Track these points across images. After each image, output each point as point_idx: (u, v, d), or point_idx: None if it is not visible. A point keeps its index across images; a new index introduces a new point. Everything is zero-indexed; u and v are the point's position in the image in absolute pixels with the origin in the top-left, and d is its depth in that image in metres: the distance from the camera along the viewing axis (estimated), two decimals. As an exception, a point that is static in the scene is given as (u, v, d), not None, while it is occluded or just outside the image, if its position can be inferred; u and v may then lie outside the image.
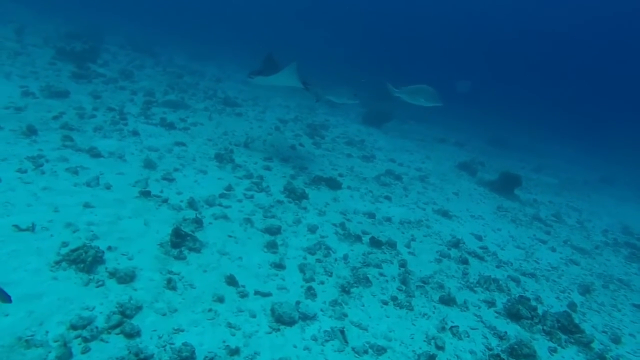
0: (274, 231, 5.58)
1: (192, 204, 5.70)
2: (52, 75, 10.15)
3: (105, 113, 8.45)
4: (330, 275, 4.97)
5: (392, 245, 6.12)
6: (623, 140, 27.59)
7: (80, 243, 4.14)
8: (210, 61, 20.09)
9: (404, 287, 5.13)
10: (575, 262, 7.57)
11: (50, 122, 7.22)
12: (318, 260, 5.22)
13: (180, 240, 4.67)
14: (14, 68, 9.80)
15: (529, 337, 4.79)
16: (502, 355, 4.21)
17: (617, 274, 7.55)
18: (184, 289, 4.07)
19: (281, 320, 3.95)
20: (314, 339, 3.87)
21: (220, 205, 5.96)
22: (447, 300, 5.05)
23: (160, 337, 3.40)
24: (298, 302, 4.28)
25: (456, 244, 6.80)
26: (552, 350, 4.65)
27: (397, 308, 4.71)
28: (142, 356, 3.10)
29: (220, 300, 4.04)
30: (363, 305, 4.59)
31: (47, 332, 3.13)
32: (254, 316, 3.96)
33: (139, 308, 3.62)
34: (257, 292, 4.30)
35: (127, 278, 3.91)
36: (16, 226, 4.19)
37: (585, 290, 6.39)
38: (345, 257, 5.48)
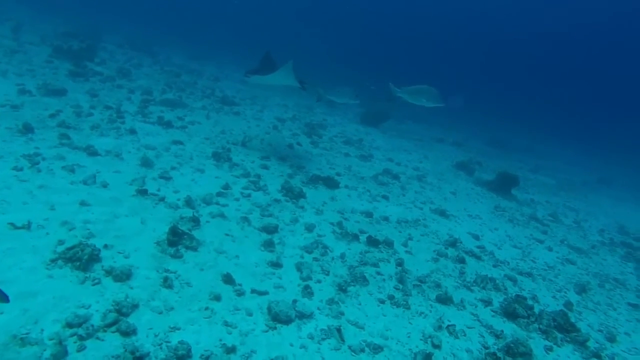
0: (271, 230, 5.57)
1: (189, 203, 5.69)
2: (49, 73, 10.12)
3: (102, 111, 8.42)
4: (327, 274, 4.97)
5: (389, 244, 6.12)
6: (620, 142, 27.73)
7: (76, 241, 4.13)
8: (208, 60, 20.07)
9: (400, 286, 5.14)
10: (572, 261, 7.60)
11: (47, 120, 7.20)
12: (315, 259, 5.22)
13: (177, 239, 4.66)
14: (10, 66, 9.76)
15: (525, 335, 4.80)
16: (499, 354, 4.22)
17: (613, 273, 7.58)
18: (181, 287, 4.06)
19: (278, 318, 3.94)
20: (311, 337, 3.87)
21: (217, 203, 5.95)
22: (444, 299, 5.05)
23: (156, 336, 3.39)
24: (295, 301, 4.27)
25: (453, 243, 6.81)
26: (548, 349, 4.67)
27: (394, 307, 4.71)
28: (138, 354, 3.09)
29: (217, 298, 4.03)
30: (360, 304, 4.59)
31: (42, 330, 3.12)
32: (250, 314, 3.95)
33: (135, 306, 3.61)
34: (253, 291, 4.30)
35: (123, 276, 3.90)
36: (12, 224, 4.18)
37: (582, 289, 6.42)
38: (343, 256, 5.48)
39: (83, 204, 4.96)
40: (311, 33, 34.35)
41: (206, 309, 3.86)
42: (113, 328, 3.31)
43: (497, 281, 5.86)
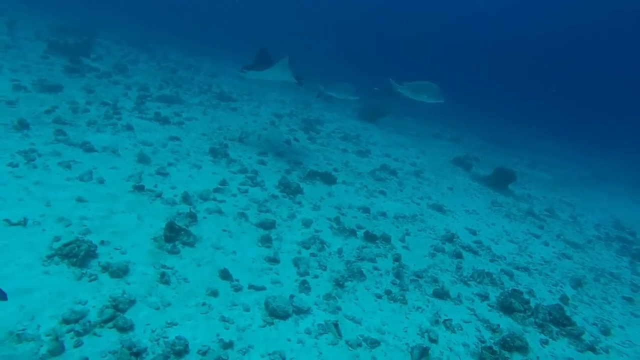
0: (268, 225, 5.57)
1: (186, 199, 5.68)
2: (45, 69, 10.05)
3: (98, 107, 8.38)
4: (325, 269, 4.98)
5: (386, 239, 6.14)
6: (617, 137, 27.83)
7: (72, 237, 4.12)
8: (205, 57, 19.98)
9: (398, 281, 5.16)
10: (568, 256, 7.64)
11: (43, 116, 7.16)
12: (312, 255, 5.23)
13: (174, 235, 4.66)
14: (4, 61, 9.69)
15: (521, 329, 4.83)
16: (495, 348, 4.25)
17: (608, 267, 7.63)
18: (178, 283, 4.06)
19: (275, 314, 3.95)
20: (308, 332, 3.88)
21: (214, 199, 5.94)
22: (441, 294, 5.08)
23: (153, 331, 3.40)
24: (292, 296, 4.28)
25: (450, 238, 6.83)
26: (544, 342, 4.70)
27: (391, 302, 4.73)
28: (135, 350, 3.09)
29: (214, 294, 4.03)
30: (357, 299, 4.61)
31: (38, 326, 3.12)
32: (247, 310, 3.96)
33: (132, 302, 3.61)
34: (251, 286, 4.30)
35: (120, 272, 3.90)
36: (7, 220, 4.16)
37: (577, 283, 6.46)
38: (340, 251, 5.49)
39: (79, 200, 4.95)
40: (311, 32, 34.26)
41: (203, 304, 3.87)
42: (110, 324, 3.32)
43: (494, 276, 5.89)
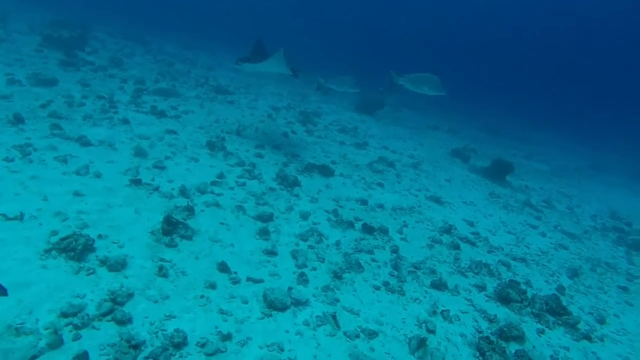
0: (266, 218, 5.58)
1: (183, 192, 5.67)
2: (39, 62, 9.96)
3: (94, 101, 8.33)
4: (323, 262, 5.00)
5: (384, 231, 6.15)
6: (614, 128, 27.87)
7: (70, 231, 4.12)
8: (202, 50, 19.84)
9: (395, 273, 5.18)
10: (565, 246, 7.68)
11: (38, 111, 7.11)
12: (310, 247, 5.24)
13: (172, 228, 4.66)
14: (-1, 55, 9.60)
15: (518, 319, 4.87)
16: (492, 338, 4.28)
17: (604, 257, 7.68)
18: (176, 276, 4.07)
19: (273, 306, 3.97)
20: (306, 324, 3.90)
21: (212, 192, 5.94)
22: (439, 285, 5.10)
23: (152, 324, 3.41)
24: (290, 288, 4.30)
25: (448, 229, 6.85)
26: (540, 332, 4.74)
27: (389, 293, 4.75)
28: (133, 343, 3.10)
29: (212, 286, 4.05)
30: (355, 291, 4.63)
31: (37, 320, 3.12)
32: (246, 302, 3.98)
33: (130, 295, 3.61)
34: (249, 279, 4.31)
35: (118, 266, 3.90)
36: (4, 215, 4.15)
37: (574, 273, 6.50)
38: (338, 243, 5.50)
39: (76, 194, 4.93)
40: (310, 32, 34.02)
41: (202, 297, 3.88)
42: (108, 317, 3.32)
43: (491, 267, 5.93)
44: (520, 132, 21.35)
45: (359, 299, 4.51)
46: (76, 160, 5.77)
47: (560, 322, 4.98)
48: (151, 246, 4.40)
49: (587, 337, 4.82)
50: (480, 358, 4.03)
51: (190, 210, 5.20)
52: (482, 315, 4.78)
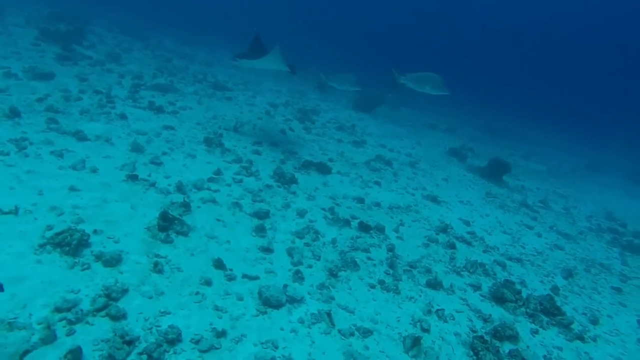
0: (262, 215, 5.57)
1: (180, 188, 5.65)
2: (36, 56, 9.89)
3: (91, 96, 8.28)
4: (319, 259, 5.00)
5: (380, 229, 6.16)
6: (612, 128, 27.97)
7: (65, 226, 4.10)
8: (201, 46, 19.77)
9: (391, 271, 5.19)
10: (560, 247, 7.72)
11: (35, 105, 7.06)
12: (306, 244, 5.24)
13: (168, 224, 4.65)
14: (-5, 48, 9.53)
15: (512, 319, 4.89)
16: (486, 337, 4.30)
17: (599, 258, 7.72)
18: (171, 272, 4.06)
19: (268, 303, 3.97)
20: (301, 321, 3.91)
21: (208, 189, 5.92)
22: (434, 284, 5.12)
23: (146, 320, 3.41)
24: (286, 286, 4.30)
25: (444, 229, 6.87)
26: (534, 332, 4.77)
27: (384, 291, 4.76)
28: (127, 338, 3.10)
29: (208, 283, 4.04)
30: (350, 289, 4.64)
31: (30, 314, 3.11)
32: (241, 299, 3.98)
33: (125, 291, 3.61)
34: (244, 276, 4.31)
35: (113, 261, 3.89)
36: (-1, 209, 4.12)
37: (568, 274, 6.53)
38: (334, 241, 5.50)
39: (72, 189, 4.91)
40: (310, 29, 33.92)
41: (197, 293, 3.87)
42: (103, 312, 3.32)
43: (487, 266, 5.95)
44: (518, 131, 21.39)
45: (354, 297, 4.52)
46: (72, 154, 5.74)
47: (554, 323, 5.00)
48: (147, 242, 4.39)
49: (580, 338, 4.85)
50: (474, 357, 4.05)
51: (186, 206, 5.19)
52: (477, 315, 4.80)
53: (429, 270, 5.44)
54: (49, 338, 2.93)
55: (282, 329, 3.75)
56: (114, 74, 10.34)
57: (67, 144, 6.02)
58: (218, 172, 6.49)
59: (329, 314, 4.05)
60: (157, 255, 4.22)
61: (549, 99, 33.48)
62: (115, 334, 3.12)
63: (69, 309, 3.23)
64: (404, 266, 5.41)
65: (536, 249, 7.33)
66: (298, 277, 4.53)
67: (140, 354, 3.06)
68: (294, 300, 4.13)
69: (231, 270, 4.33)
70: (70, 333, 3.07)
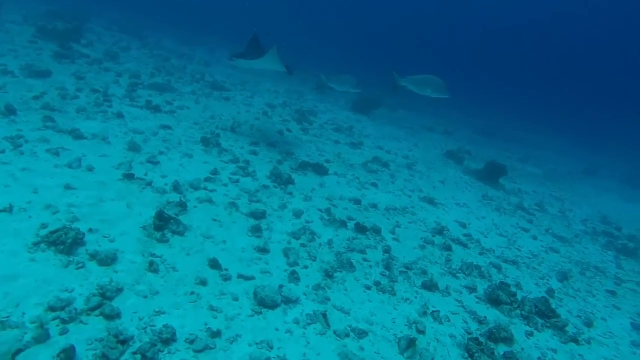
0: (258, 215, 5.56)
1: (176, 187, 5.64)
2: (33, 54, 9.85)
3: (88, 94, 8.25)
4: (314, 260, 5.00)
5: (376, 231, 6.16)
6: (610, 130, 28.14)
7: (60, 225, 4.08)
8: (199, 45, 19.72)
9: (387, 273, 5.19)
10: (555, 249, 7.74)
11: (31, 102, 7.03)
12: (302, 245, 5.24)
13: (164, 223, 4.63)
14: (-8, 45, 9.48)
15: (507, 321, 4.90)
16: (481, 339, 4.31)
17: (593, 261, 7.75)
18: (166, 271, 4.05)
19: (263, 303, 3.96)
20: (296, 322, 3.90)
21: (205, 189, 5.91)
22: (430, 286, 5.12)
23: (140, 319, 3.39)
24: (281, 286, 4.29)
25: (440, 231, 6.88)
26: (529, 334, 4.78)
27: (380, 293, 4.76)
28: (121, 338, 3.08)
29: (203, 283, 4.03)
30: (346, 290, 4.64)
31: (23, 313, 3.09)
32: (236, 299, 3.97)
33: (119, 290, 3.59)
34: (240, 276, 4.30)
35: (108, 260, 3.87)
36: (-7, 207, 4.10)
37: (563, 277, 6.56)
38: (330, 242, 5.50)
39: (67, 187, 4.89)
40: (309, 30, 33.94)
41: (192, 293, 3.86)
42: (97, 311, 3.30)
43: (482, 268, 5.96)
44: (516, 134, 21.45)
45: (350, 298, 4.52)
46: (68, 153, 5.72)
47: (548, 325, 5.02)
48: (142, 241, 4.37)
49: (575, 340, 4.87)
50: (469, 359, 4.06)
51: (182, 205, 5.18)
52: (472, 317, 4.81)
53: (424, 272, 5.44)
54: (42, 337, 2.91)
55: (277, 330, 3.75)
56: (111, 73, 10.30)
57: (63, 142, 6.00)
58: (215, 172, 6.48)
59: (324, 315, 4.04)
60: (152, 255, 4.20)
61: (548, 101, 33.62)
62: (109, 333, 3.10)
63: (62, 308, 3.21)
64: (400, 267, 5.42)
65: (532, 251, 7.35)
66: (294, 277, 4.52)
67: (134, 353, 3.05)
68: (289, 301, 4.12)
69: (227, 270, 4.32)
70: (63, 332, 3.05)
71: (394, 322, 4.32)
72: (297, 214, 5.96)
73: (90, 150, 6.02)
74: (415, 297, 4.87)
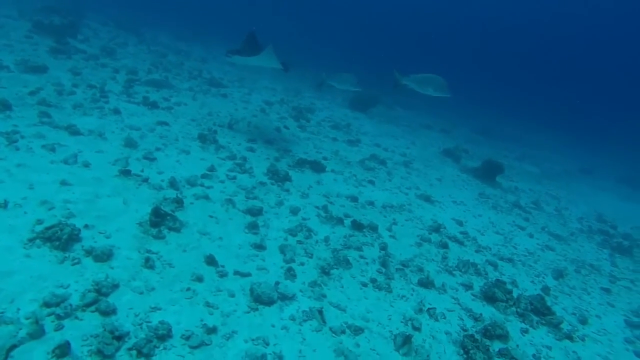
0: (255, 212, 5.56)
1: (173, 184, 5.62)
2: (29, 49, 9.78)
3: (85, 90, 8.21)
4: (311, 257, 5.00)
5: (373, 228, 6.17)
6: (607, 130, 28.22)
7: (55, 221, 4.06)
8: (197, 42, 19.62)
9: (383, 270, 5.20)
10: (551, 248, 7.78)
11: (26, 98, 6.99)
12: (299, 242, 5.24)
13: (160, 220, 4.62)
14: (-13, 40, 9.41)
15: (503, 318, 4.92)
16: (476, 336, 4.33)
17: (589, 259, 7.80)
18: (162, 268, 4.04)
19: (260, 300, 3.96)
20: (292, 318, 3.91)
21: (202, 185, 5.90)
22: (426, 283, 5.14)
23: (136, 315, 3.39)
24: (277, 283, 4.30)
25: (437, 228, 6.90)
26: (524, 331, 4.81)
27: (376, 290, 4.77)
28: (117, 334, 3.08)
29: (199, 279, 4.03)
30: (342, 287, 4.64)
31: (18, 309, 3.08)
32: (232, 296, 3.97)
33: (115, 286, 3.58)
34: (236, 272, 4.30)
35: (103, 256, 3.86)
36: (-12, 202, 4.08)
37: (559, 274, 6.59)
38: (327, 239, 5.51)
39: (63, 183, 4.86)
40: (309, 29, 33.82)
41: (188, 289, 3.86)
42: (92, 308, 3.29)
43: (479, 266, 5.98)
44: (514, 133, 21.49)
45: (346, 295, 4.52)
46: (64, 149, 5.69)
47: (544, 322, 5.04)
48: (138, 237, 4.36)
49: (569, 337, 4.89)
50: (465, 356, 4.07)
51: (179, 202, 5.17)
52: (468, 314, 4.83)
53: (421, 269, 5.46)
54: (37, 333, 2.91)
55: (273, 326, 3.75)
56: (108, 69, 10.25)
57: (59, 138, 5.97)
58: (212, 169, 6.46)
59: (320, 312, 4.05)
60: (148, 251, 4.20)
61: (547, 101, 33.70)
62: (105, 329, 3.09)
63: (57, 304, 3.20)
64: (396, 265, 5.43)
65: (528, 249, 7.38)
66: (290, 274, 4.53)
67: (130, 349, 3.05)
68: (285, 298, 4.13)
69: (223, 266, 4.32)
70: (58, 328, 3.04)
71: (390, 319, 4.34)
72: (294, 211, 5.96)
73: (86, 146, 5.99)
74: (412, 295, 4.88)
